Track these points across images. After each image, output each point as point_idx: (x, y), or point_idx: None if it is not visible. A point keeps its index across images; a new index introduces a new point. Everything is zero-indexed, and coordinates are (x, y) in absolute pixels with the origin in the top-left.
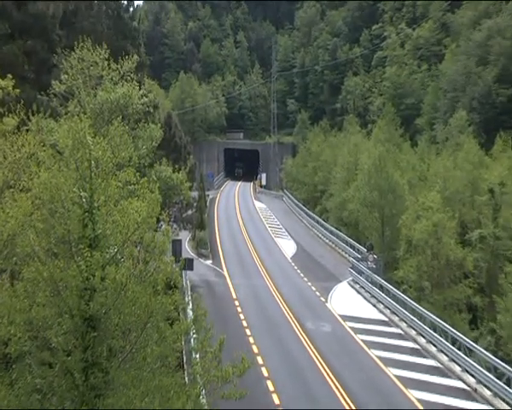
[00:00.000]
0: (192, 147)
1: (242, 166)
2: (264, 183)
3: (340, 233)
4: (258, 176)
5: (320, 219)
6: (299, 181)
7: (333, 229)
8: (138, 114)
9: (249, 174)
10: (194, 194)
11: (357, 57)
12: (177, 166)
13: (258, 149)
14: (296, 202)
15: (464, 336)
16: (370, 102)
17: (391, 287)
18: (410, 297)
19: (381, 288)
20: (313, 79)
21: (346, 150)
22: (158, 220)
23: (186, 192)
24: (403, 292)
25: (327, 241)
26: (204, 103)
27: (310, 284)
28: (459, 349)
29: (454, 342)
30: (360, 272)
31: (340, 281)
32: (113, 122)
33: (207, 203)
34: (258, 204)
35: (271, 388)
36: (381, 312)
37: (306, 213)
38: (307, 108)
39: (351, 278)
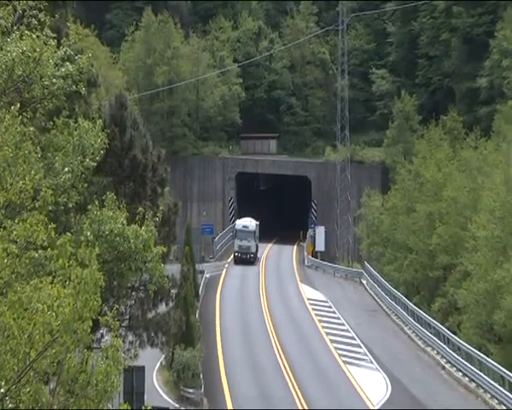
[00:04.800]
0: (170, 169)
1: (254, 228)
2: (320, 247)
3: (489, 360)
4: (309, 232)
5: (443, 328)
6: (396, 244)
7: (471, 349)
8: (55, 99)
9: (289, 229)
10: (172, 269)
11: None
12: (137, 211)
13: (309, 174)
14: (390, 288)
15: None
16: None
17: None
18: None
19: None
20: (428, 25)
21: (501, 179)
22: (95, 325)
23: (155, 266)
24: None
25: (457, 375)
26: (195, 77)
27: None
28: None
29: None
30: None
31: None
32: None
33: (201, 289)
34: (308, 292)
35: None
36: None
37: (413, 315)
38: (414, 87)
39: None
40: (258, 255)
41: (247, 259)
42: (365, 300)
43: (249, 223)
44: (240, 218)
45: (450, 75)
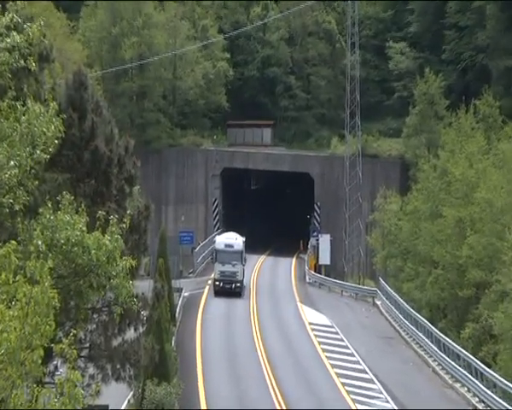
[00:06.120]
0: (140, 164)
1: (240, 247)
2: (325, 260)
3: None
4: (311, 242)
5: (475, 360)
6: (418, 257)
7: (510, 386)
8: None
9: (286, 238)
10: (143, 287)
11: None
12: (99, 215)
13: (312, 171)
14: (411, 311)
15: None
16: None
17: None
18: None
19: None
20: None
21: None
22: (47, 355)
23: (122, 283)
24: None
25: None
26: (171, 51)
27: None
28: None
29: None
30: None
31: None
32: None
33: (178, 312)
34: (310, 315)
35: None
36: None
37: (438, 344)
38: (441, 64)
39: None
40: (250, 271)
41: (231, 289)
42: (380, 325)
43: (234, 240)
44: (224, 228)
45: (485, 50)
